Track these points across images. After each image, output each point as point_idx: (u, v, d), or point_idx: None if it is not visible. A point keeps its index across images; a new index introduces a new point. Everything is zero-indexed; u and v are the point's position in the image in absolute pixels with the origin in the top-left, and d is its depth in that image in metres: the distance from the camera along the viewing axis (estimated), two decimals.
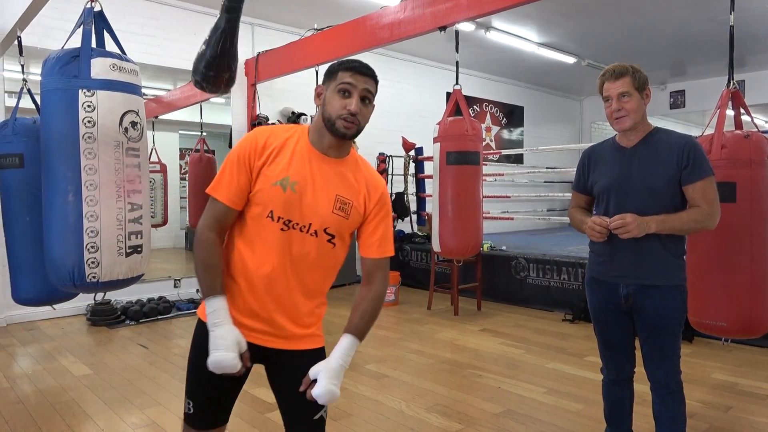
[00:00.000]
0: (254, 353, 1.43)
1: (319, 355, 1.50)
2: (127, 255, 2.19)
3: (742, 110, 2.70)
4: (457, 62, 3.88)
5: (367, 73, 1.43)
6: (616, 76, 1.91)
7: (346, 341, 1.42)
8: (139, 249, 2.24)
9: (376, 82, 1.46)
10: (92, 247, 2.11)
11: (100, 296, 4.63)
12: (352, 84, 1.41)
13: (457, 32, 3.90)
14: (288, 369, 1.47)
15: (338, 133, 1.42)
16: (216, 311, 1.38)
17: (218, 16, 1.47)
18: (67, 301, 2.78)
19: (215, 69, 1.45)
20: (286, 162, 1.43)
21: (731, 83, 2.62)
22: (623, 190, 1.93)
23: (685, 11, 6.07)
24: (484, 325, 4.71)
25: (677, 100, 9.82)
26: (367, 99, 1.44)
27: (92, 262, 2.12)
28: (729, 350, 3.88)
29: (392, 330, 4.58)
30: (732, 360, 3.67)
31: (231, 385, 1.48)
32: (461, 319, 4.94)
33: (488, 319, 4.96)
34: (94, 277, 2.13)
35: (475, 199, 3.77)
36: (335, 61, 1.47)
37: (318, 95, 1.48)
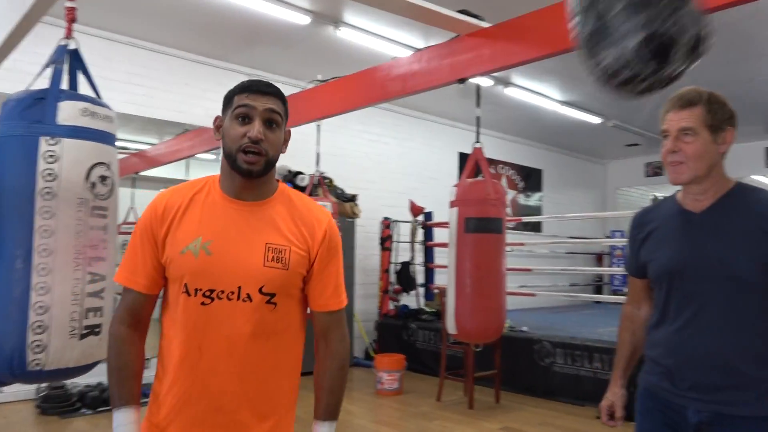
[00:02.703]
0: None
1: None
2: (82, 337, 1.96)
3: None
4: (477, 118, 3.79)
5: (267, 91, 1.31)
6: (682, 104, 1.52)
7: (326, 430, 1.32)
8: (97, 329, 2.00)
9: (283, 101, 1.35)
10: (39, 326, 1.87)
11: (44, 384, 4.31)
12: (250, 106, 1.28)
13: (478, 86, 3.82)
14: None
15: (242, 170, 1.29)
16: (119, 427, 1.24)
17: None
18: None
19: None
20: (196, 222, 1.31)
21: None
22: (691, 276, 1.52)
23: (721, 70, 6.08)
24: (504, 422, 4.37)
25: None
26: (274, 122, 1.31)
27: (37, 346, 1.88)
28: None
29: (395, 427, 4.23)
30: None
31: None
32: (477, 414, 4.59)
33: (509, 414, 4.61)
34: (37, 364, 1.88)
35: (499, 273, 3.55)
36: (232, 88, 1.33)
37: (217, 129, 1.35)
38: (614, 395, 1.71)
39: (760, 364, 1.47)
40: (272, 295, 1.30)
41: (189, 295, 1.28)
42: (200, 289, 1.27)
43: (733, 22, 4.57)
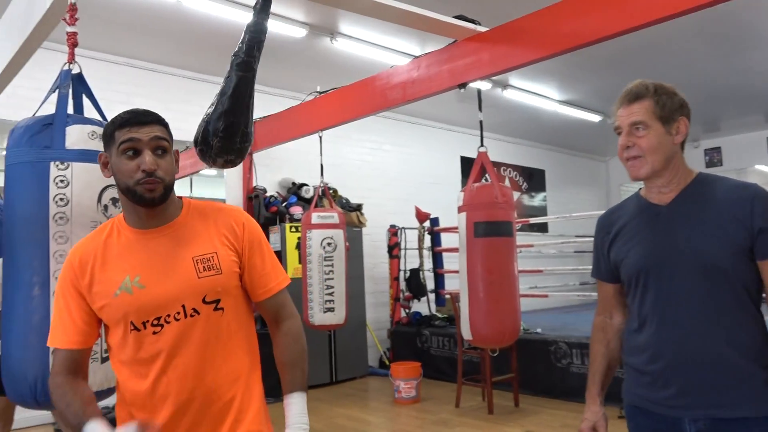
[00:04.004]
0: None
1: None
2: (103, 361, 1.94)
3: None
4: (480, 122, 3.80)
5: (148, 120, 1.34)
6: (630, 98, 1.47)
7: (296, 401, 1.37)
8: None
9: (165, 125, 1.38)
10: None
11: None
12: (135, 139, 1.31)
13: (479, 90, 3.84)
14: None
15: (144, 201, 1.33)
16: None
17: (227, 76, 1.57)
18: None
19: (224, 131, 1.49)
20: (118, 263, 1.36)
21: None
22: (666, 271, 1.44)
23: (716, 63, 6.10)
24: (525, 425, 4.34)
25: (713, 158, 9.80)
26: (162, 149, 1.34)
27: None
28: None
29: None
30: None
31: None
32: (497, 419, 4.57)
33: (529, 417, 4.58)
34: None
35: (511, 276, 3.53)
36: (108, 122, 1.36)
37: (104, 166, 1.37)
38: (594, 414, 1.60)
39: (750, 355, 1.38)
40: (217, 302, 1.36)
41: (139, 330, 1.33)
42: (148, 321, 1.32)
43: (730, 12, 4.58)
